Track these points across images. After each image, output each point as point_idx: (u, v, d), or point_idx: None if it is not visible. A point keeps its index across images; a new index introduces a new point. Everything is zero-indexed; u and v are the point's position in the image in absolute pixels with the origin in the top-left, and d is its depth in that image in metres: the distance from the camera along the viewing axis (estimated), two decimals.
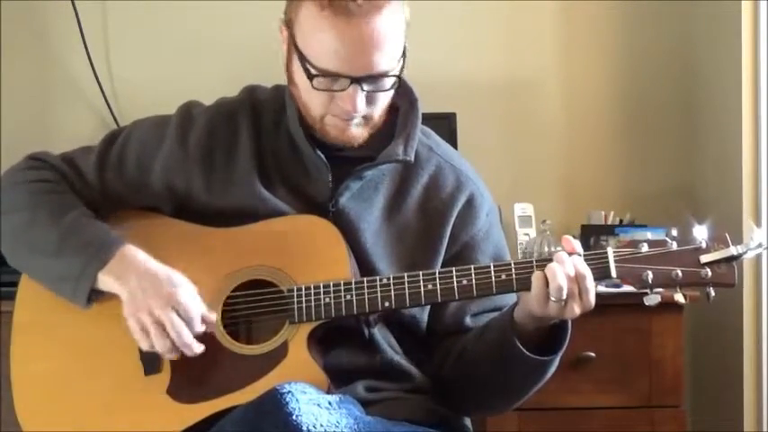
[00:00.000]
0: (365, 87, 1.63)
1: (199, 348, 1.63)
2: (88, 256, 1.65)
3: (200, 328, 1.63)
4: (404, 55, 1.66)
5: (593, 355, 2.48)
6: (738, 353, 2.62)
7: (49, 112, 2.96)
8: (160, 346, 1.63)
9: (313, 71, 1.63)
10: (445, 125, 2.70)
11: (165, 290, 1.62)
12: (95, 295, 1.67)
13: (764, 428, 2.59)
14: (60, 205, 1.72)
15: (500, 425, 2.45)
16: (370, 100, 1.65)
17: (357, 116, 1.66)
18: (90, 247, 1.66)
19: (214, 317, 1.66)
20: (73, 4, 2.89)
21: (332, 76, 1.62)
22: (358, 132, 1.69)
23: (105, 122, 2.90)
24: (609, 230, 2.70)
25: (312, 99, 1.67)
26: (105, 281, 1.65)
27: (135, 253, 1.66)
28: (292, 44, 1.66)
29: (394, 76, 1.64)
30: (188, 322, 1.62)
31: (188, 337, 1.62)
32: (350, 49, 1.59)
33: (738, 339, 2.62)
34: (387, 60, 1.62)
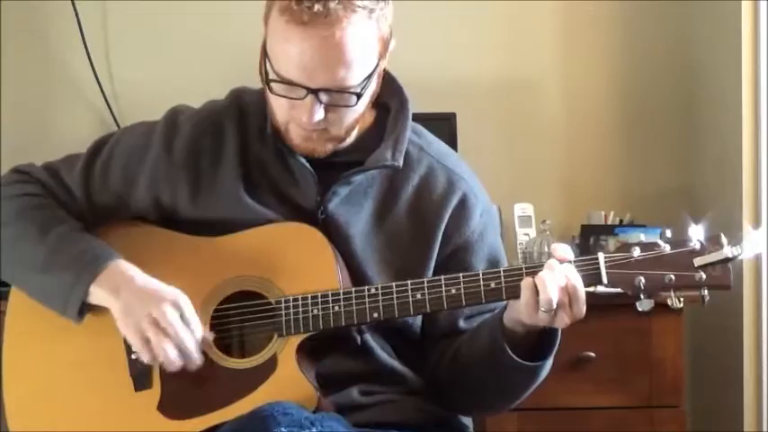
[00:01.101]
0: (323, 100, 1.60)
1: (199, 359, 1.60)
2: (79, 270, 1.64)
3: (200, 337, 1.61)
4: (373, 74, 1.63)
5: (592, 355, 2.47)
6: (738, 353, 2.62)
7: (49, 112, 2.96)
8: (164, 354, 1.59)
9: (272, 75, 1.61)
10: (445, 125, 2.70)
11: (168, 297, 1.60)
12: (87, 309, 1.65)
13: (764, 428, 2.59)
14: (47, 220, 1.70)
15: (500, 425, 2.44)
16: (330, 114, 1.62)
17: (316, 127, 1.63)
18: (80, 260, 1.64)
19: (211, 336, 1.63)
20: (73, 4, 2.89)
21: (288, 83, 1.60)
22: (320, 145, 1.66)
23: (105, 123, 2.90)
24: (609, 230, 2.70)
25: (275, 104, 1.65)
26: (97, 294, 1.63)
27: (127, 267, 1.65)
28: (263, 45, 1.64)
29: (354, 93, 1.61)
30: (193, 329, 1.59)
31: (193, 345, 1.59)
32: (308, 61, 1.56)
33: (738, 339, 2.62)
34: (347, 77, 1.58)
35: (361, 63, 1.60)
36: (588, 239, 2.71)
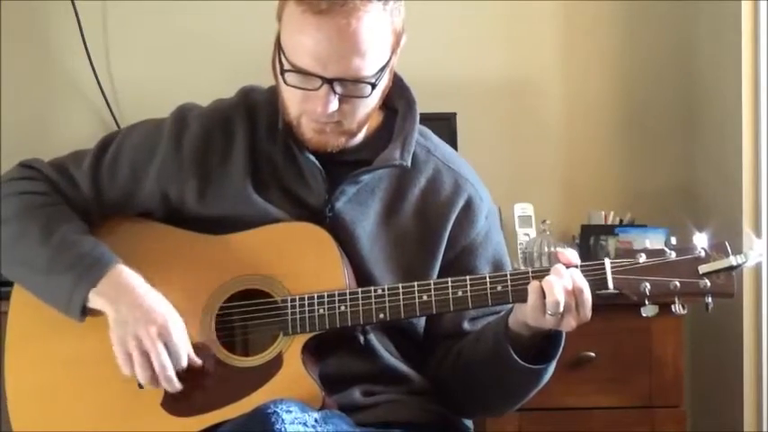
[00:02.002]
0: (338, 90, 1.60)
1: (178, 387, 1.62)
2: (78, 275, 1.64)
3: (184, 365, 1.62)
4: (386, 67, 1.64)
5: (593, 355, 2.48)
6: (738, 353, 2.62)
7: (49, 112, 2.96)
8: (141, 375, 1.62)
9: (286, 65, 1.61)
10: (445, 125, 2.70)
11: (157, 321, 1.61)
12: (89, 311, 1.66)
13: (764, 428, 2.59)
14: (51, 220, 1.70)
15: (500, 425, 2.45)
16: (344, 105, 1.62)
17: (330, 119, 1.63)
18: (80, 265, 1.65)
19: (199, 362, 1.64)
20: (73, 4, 2.89)
21: (303, 73, 1.60)
22: (332, 138, 1.67)
23: (105, 122, 2.90)
24: (609, 230, 2.70)
25: (288, 97, 1.65)
26: (96, 301, 1.64)
27: (126, 275, 1.65)
28: (277, 38, 1.64)
29: (369, 83, 1.61)
30: (175, 358, 1.61)
31: (171, 372, 1.61)
32: (323, 50, 1.57)
33: (738, 339, 2.62)
34: (362, 66, 1.59)
35: (375, 53, 1.60)
36: (588, 239, 2.71)
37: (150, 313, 1.62)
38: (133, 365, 1.62)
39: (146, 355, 1.61)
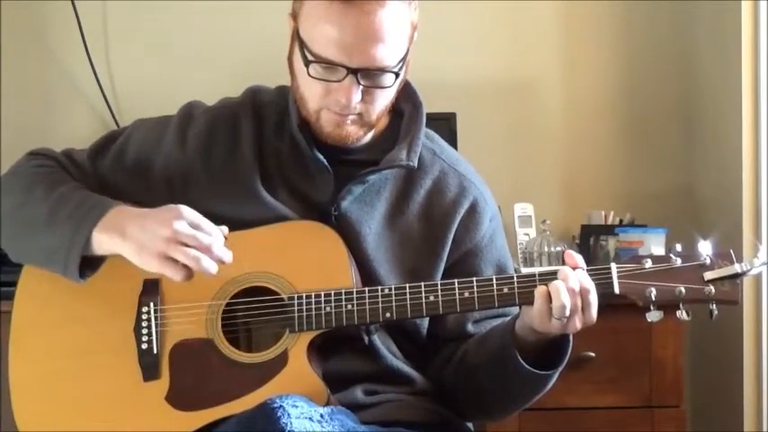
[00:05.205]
0: (362, 81, 1.61)
1: (229, 255, 1.58)
2: (79, 218, 1.62)
3: (218, 234, 1.58)
4: (405, 58, 1.65)
5: (593, 355, 2.48)
6: (738, 353, 2.62)
7: (49, 112, 2.96)
8: (190, 261, 1.56)
9: (310, 57, 1.62)
10: (445, 125, 2.70)
11: (165, 214, 1.58)
12: (90, 270, 1.64)
13: (764, 428, 2.59)
14: (55, 181, 1.70)
15: (500, 424, 2.44)
16: (366, 96, 1.64)
17: (352, 111, 1.64)
18: (81, 208, 1.63)
19: (225, 229, 1.61)
20: (73, 4, 2.89)
21: (328, 63, 1.60)
22: (353, 130, 1.67)
23: (105, 122, 2.91)
24: (609, 230, 2.70)
25: (309, 90, 1.65)
26: (101, 240, 1.61)
27: (126, 208, 1.63)
28: (295, 33, 1.65)
29: (393, 72, 1.63)
30: (202, 229, 1.57)
31: (212, 241, 1.56)
32: (348, 38, 1.58)
33: (738, 339, 2.62)
34: (386, 55, 1.60)
35: (397, 42, 1.62)
36: (588, 239, 2.71)
37: (158, 216, 1.58)
38: (178, 263, 1.56)
39: (180, 244, 1.56)
